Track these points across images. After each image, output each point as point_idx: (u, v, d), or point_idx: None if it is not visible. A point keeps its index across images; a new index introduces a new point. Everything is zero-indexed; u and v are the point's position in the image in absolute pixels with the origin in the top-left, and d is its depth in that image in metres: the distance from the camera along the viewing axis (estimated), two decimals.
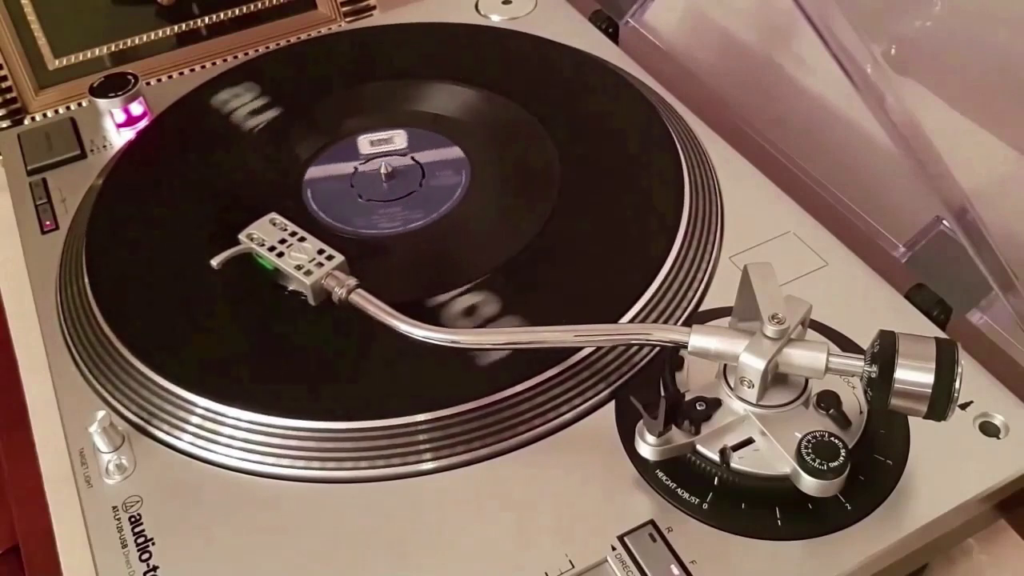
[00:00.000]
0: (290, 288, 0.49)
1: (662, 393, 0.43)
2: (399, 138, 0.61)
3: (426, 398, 0.44)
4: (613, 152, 0.58)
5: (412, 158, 0.59)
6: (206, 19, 0.79)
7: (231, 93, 0.66)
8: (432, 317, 0.44)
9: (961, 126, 0.56)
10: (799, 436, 0.38)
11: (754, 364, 0.38)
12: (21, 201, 0.61)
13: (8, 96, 0.72)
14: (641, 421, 0.39)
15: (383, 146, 0.60)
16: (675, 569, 0.38)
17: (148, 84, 0.73)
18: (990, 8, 0.55)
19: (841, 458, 0.37)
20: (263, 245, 0.50)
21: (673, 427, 0.39)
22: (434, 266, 0.53)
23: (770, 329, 0.38)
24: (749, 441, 0.40)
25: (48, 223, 0.59)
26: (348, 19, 0.81)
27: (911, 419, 0.42)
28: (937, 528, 0.40)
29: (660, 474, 0.41)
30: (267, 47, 0.79)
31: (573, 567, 0.39)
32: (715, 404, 0.40)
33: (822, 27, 0.57)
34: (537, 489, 0.42)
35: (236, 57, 0.78)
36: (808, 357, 0.38)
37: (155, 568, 0.40)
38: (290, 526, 0.41)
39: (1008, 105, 0.54)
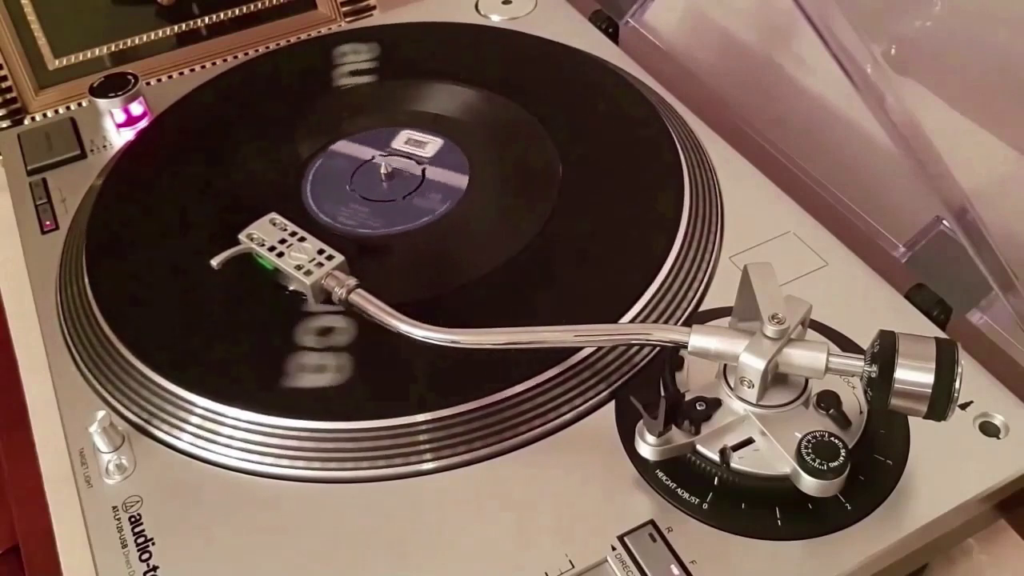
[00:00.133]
0: (290, 288, 0.49)
1: (662, 393, 0.43)
2: (432, 145, 0.60)
3: (426, 398, 0.44)
4: (613, 152, 0.58)
5: (412, 158, 0.59)
6: (206, 19, 0.79)
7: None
8: (432, 317, 0.44)
9: (961, 126, 0.56)
10: (799, 436, 0.38)
11: (754, 364, 0.38)
12: (21, 201, 0.61)
13: (8, 96, 0.72)
14: (641, 421, 0.39)
15: (414, 148, 0.60)
16: (675, 569, 0.38)
17: (148, 84, 0.73)
18: (990, 8, 0.55)
19: (841, 458, 0.37)
20: (263, 245, 0.50)
21: (673, 427, 0.39)
22: (434, 266, 0.53)
23: (770, 329, 0.38)
24: (749, 441, 0.40)
25: (48, 223, 0.59)
26: (348, 19, 0.81)
27: (911, 419, 0.42)
28: (937, 528, 0.40)
29: (660, 474, 0.41)
30: (267, 47, 0.79)
31: (573, 567, 0.39)
32: (715, 404, 0.40)
33: (822, 27, 0.57)
34: (537, 489, 0.42)
35: (236, 57, 0.78)
36: (808, 357, 0.38)
37: (155, 568, 0.40)
38: (290, 526, 0.41)
39: (1008, 105, 0.54)
